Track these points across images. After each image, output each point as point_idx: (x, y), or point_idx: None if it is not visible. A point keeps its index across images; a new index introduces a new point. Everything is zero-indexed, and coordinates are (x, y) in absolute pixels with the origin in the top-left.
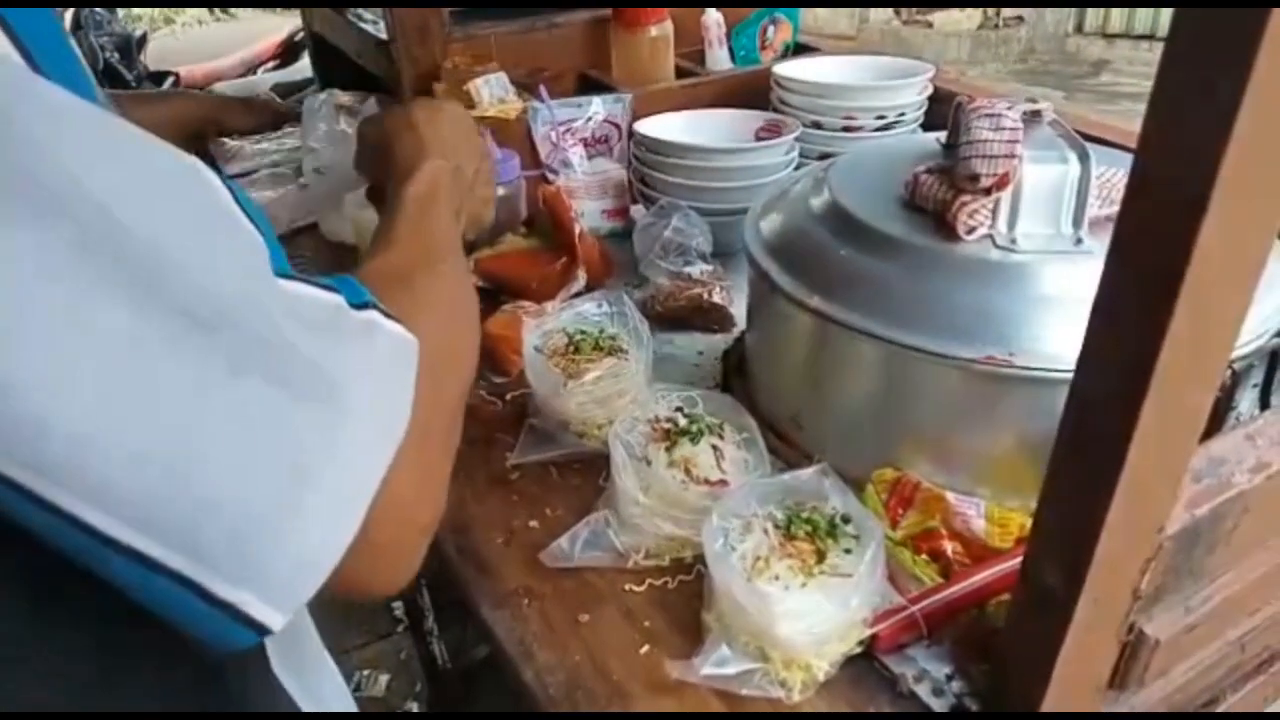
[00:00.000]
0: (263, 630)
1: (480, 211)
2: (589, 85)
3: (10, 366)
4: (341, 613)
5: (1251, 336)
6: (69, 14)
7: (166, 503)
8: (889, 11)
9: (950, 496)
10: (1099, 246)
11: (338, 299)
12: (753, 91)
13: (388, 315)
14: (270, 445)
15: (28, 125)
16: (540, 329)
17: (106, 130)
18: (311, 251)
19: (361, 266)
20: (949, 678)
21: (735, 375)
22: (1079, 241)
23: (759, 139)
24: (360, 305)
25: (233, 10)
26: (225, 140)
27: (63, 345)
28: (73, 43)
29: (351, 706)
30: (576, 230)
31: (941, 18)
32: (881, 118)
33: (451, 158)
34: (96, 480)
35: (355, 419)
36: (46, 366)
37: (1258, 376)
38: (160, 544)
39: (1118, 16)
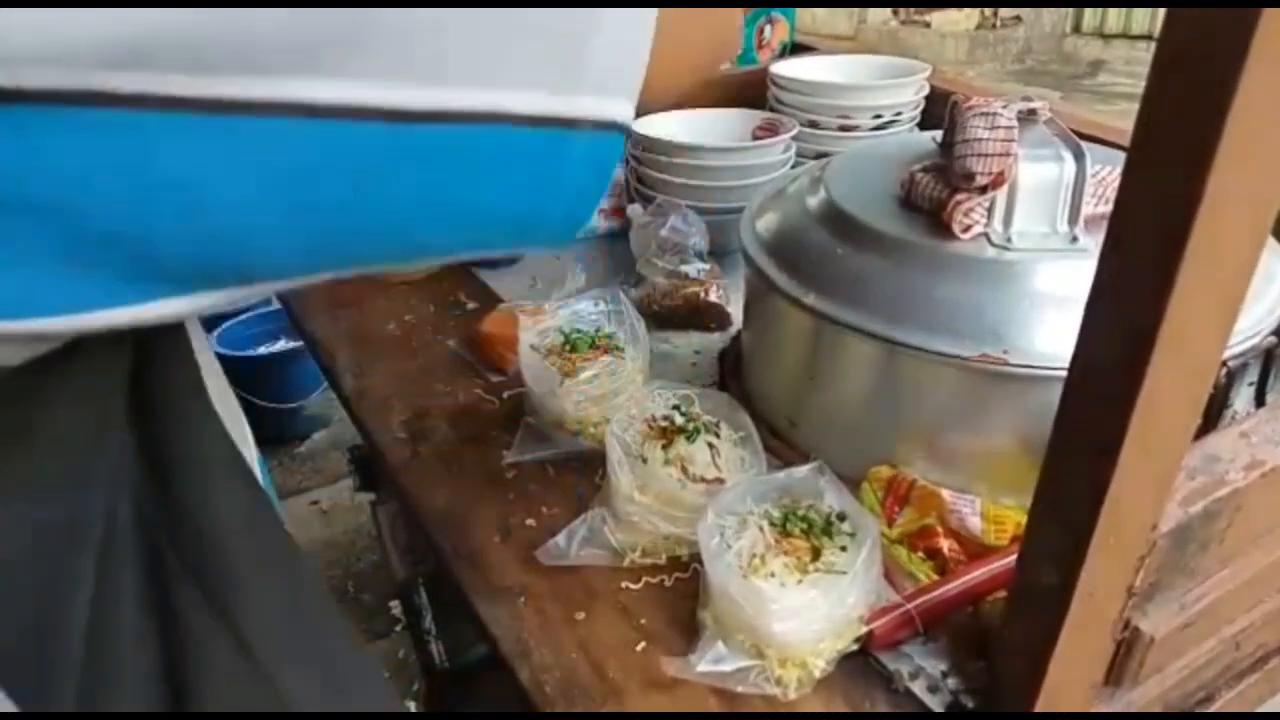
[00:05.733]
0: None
1: None
2: None
3: None
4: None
5: (1247, 335)
6: None
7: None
8: (887, 12)
9: (946, 494)
10: (1094, 244)
11: None
12: (750, 91)
13: None
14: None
15: None
16: (536, 328)
17: None
18: None
19: None
20: (945, 674)
21: (732, 374)
22: (1074, 240)
23: (756, 138)
24: None
25: None
26: None
27: None
28: None
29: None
30: None
31: (939, 18)
32: (878, 117)
33: None
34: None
35: None
36: None
37: (1253, 375)
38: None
39: (1115, 17)
